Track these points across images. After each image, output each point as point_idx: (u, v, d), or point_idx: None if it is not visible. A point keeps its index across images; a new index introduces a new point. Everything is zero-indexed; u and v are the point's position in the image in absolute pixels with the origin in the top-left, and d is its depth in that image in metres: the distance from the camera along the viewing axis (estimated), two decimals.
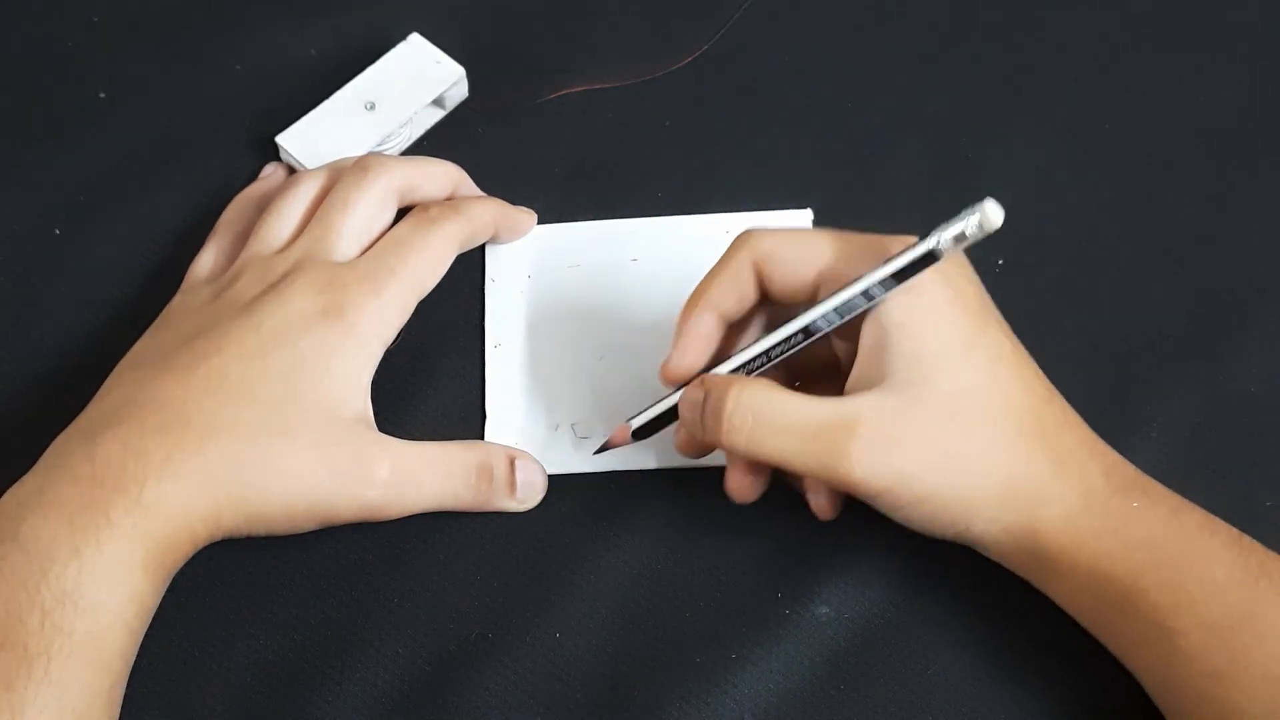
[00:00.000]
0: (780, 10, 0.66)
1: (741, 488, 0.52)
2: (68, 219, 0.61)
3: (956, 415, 0.47)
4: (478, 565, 0.53)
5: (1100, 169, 0.61)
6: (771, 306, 0.52)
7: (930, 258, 0.46)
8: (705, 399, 0.50)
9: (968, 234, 0.45)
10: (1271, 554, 0.47)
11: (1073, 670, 0.50)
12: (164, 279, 0.58)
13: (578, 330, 0.58)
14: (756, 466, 0.51)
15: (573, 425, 0.56)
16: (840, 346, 0.51)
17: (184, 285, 0.56)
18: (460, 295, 0.58)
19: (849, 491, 0.48)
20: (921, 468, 0.47)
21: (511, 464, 0.53)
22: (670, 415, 0.52)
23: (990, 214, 0.44)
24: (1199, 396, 0.56)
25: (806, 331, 0.49)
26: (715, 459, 0.54)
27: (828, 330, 0.49)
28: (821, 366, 0.52)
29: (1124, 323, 0.58)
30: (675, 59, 0.64)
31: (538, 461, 0.54)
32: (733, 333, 0.52)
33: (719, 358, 0.51)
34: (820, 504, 0.51)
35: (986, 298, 0.49)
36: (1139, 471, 0.49)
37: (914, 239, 0.47)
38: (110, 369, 0.53)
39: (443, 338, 0.58)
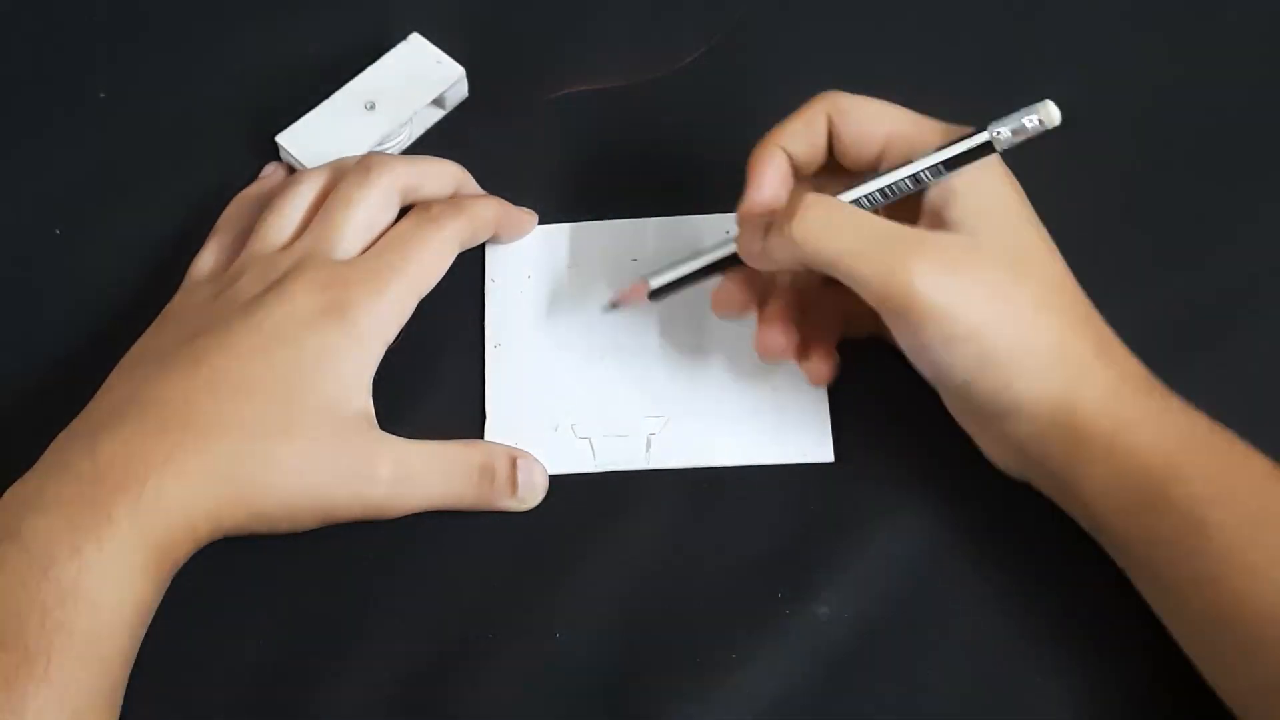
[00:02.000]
0: (781, 10, 0.66)
1: (773, 340, 0.52)
2: (68, 219, 0.61)
3: (1017, 266, 0.48)
4: (478, 565, 0.53)
5: (1099, 169, 0.61)
6: (835, 180, 0.52)
7: (989, 148, 0.48)
8: (785, 204, 0.50)
9: (1028, 128, 0.47)
10: None
11: (1072, 671, 0.50)
12: (164, 279, 0.57)
13: (578, 330, 0.58)
14: (789, 315, 0.52)
15: (573, 425, 0.56)
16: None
17: (184, 284, 0.56)
18: (460, 295, 0.58)
19: (901, 311, 0.48)
20: (979, 300, 0.47)
21: (513, 463, 0.53)
22: (691, 278, 0.53)
23: (1050, 112, 0.47)
24: (1199, 394, 0.56)
25: (915, 179, 0.50)
26: (714, 458, 0.54)
27: (929, 184, 0.50)
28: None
29: (1124, 322, 0.57)
30: (675, 59, 0.64)
31: (539, 461, 0.54)
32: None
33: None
34: (818, 369, 0.53)
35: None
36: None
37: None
38: (110, 369, 0.53)
39: (443, 338, 0.58)
